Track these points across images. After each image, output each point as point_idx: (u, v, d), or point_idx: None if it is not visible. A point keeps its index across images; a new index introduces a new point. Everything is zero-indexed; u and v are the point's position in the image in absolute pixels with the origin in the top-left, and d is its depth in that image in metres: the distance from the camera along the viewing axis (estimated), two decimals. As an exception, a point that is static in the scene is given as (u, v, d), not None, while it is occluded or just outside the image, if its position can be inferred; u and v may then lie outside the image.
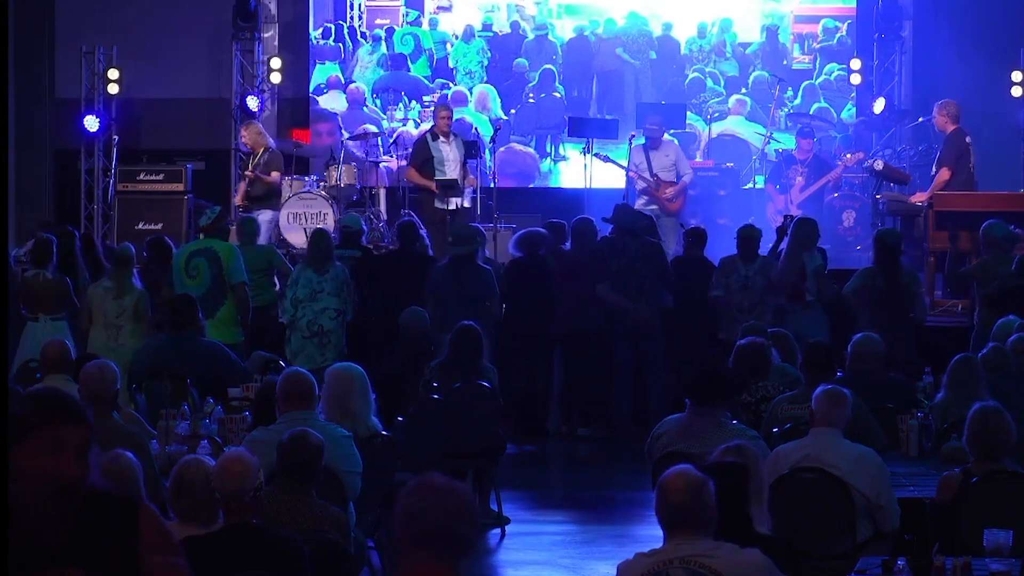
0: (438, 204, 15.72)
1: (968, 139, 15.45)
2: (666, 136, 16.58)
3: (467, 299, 12.41)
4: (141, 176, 17.49)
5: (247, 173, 16.57)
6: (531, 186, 19.42)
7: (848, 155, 17.60)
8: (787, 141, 18.47)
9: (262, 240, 15.17)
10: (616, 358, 13.30)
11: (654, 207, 16.07)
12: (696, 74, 19.78)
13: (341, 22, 20.24)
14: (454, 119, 16.39)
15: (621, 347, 13.27)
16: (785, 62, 19.95)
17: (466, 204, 15.88)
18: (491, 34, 20.31)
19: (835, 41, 19.95)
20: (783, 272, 12.87)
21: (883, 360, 9.75)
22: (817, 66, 19.97)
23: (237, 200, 16.82)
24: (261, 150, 16.48)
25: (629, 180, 16.39)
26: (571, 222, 13.82)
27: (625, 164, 16.55)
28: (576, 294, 13.24)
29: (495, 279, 12.89)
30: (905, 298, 12.05)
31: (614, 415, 13.32)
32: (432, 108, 19.83)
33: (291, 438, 6.76)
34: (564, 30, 20.22)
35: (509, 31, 20.29)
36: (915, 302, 12.08)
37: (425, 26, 20.28)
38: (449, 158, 15.75)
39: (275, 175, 16.36)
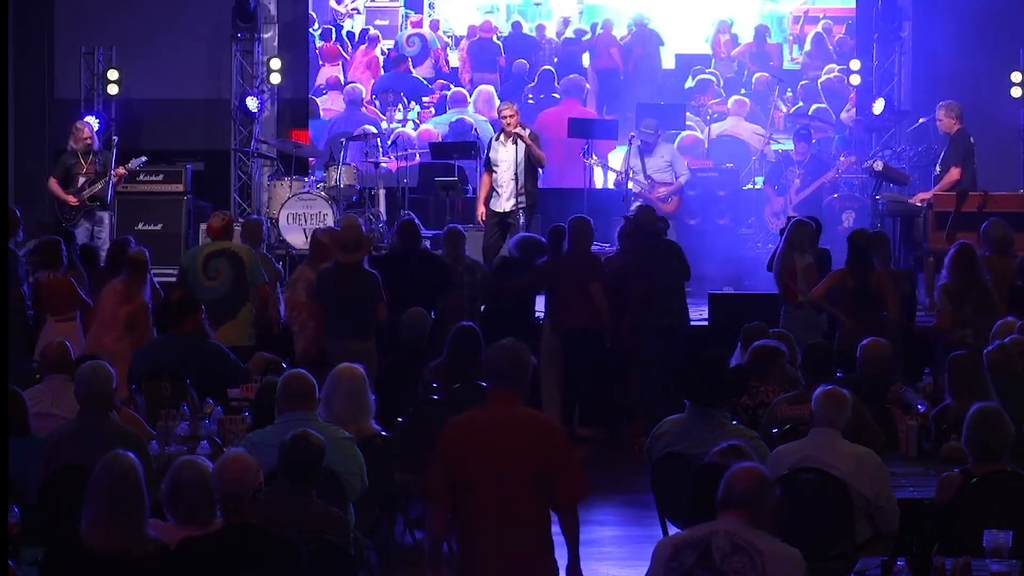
0: (492, 206, 15.62)
1: (972, 139, 15.49)
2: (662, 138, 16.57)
3: (350, 305, 12.11)
4: (140, 177, 17.47)
5: (117, 172, 16.19)
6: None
7: (842, 158, 17.60)
8: (787, 142, 18.47)
9: (105, 241, 15.55)
10: (645, 358, 13.23)
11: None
12: (709, 76, 19.80)
13: (340, 24, 20.29)
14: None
15: (650, 348, 13.20)
16: (772, 63, 19.96)
17: (507, 208, 15.53)
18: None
19: (832, 40, 20.01)
20: (776, 273, 12.90)
21: (890, 364, 9.78)
22: (804, 66, 20.01)
23: (73, 200, 15.89)
24: (94, 150, 16.14)
25: (623, 181, 16.37)
26: (568, 221, 13.74)
27: (619, 167, 16.55)
28: (575, 292, 13.18)
29: (380, 284, 12.35)
30: (878, 298, 12.03)
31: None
32: (431, 109, 19.97)
33: (293, 438, 6.77)
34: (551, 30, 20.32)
35: (509, 31, 20.32)
36: (890, 302, 12.05)
37: (426, 27, 20.30)
38: (502, 159, 15.46)
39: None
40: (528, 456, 6.34)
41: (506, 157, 15.45)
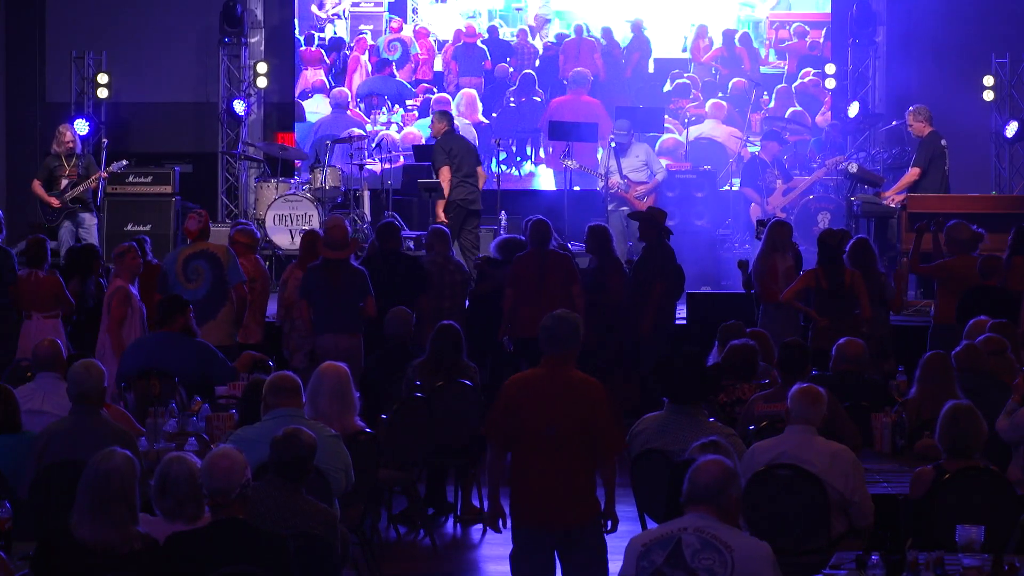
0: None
1: (943, 142, 15.69)
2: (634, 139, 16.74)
3: (339, 301, 12.18)
4: (130, 179, 17.58)
5: (103, 173, 16.47)
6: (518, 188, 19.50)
7: (831, 159, 17.69)
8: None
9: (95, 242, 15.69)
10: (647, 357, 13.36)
11: (625, 208, 16.19)
12: (685, 80, 19.93)
13: (321, 28, 20.38)
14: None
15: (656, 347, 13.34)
16: (743, 66, 20.09)
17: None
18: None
19: (807, 43, 20.17)
20: (757, 273, 12.99)
21: (866, 362, 9.90)
22: (785, 69, 20.15)
23: (55, 203, 16.09)
24: (76, 153, 16.34)
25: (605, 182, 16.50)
26: (528, 222, 13.55)
27: (598, 169, 16.70)
28: (555, 295, 12.71)
29: (368, 280, 12.36)
30: (849, 297, 12.17)
31: None
32: (415, 112, 20.07)
33: (285, 436, 6.81)
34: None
35: (486, 36, 20.45)
36: (861, 300, 12.18)
37: (408, 32, 20.40)
38: None
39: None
40: (573, 412, 7.26)
41: None
